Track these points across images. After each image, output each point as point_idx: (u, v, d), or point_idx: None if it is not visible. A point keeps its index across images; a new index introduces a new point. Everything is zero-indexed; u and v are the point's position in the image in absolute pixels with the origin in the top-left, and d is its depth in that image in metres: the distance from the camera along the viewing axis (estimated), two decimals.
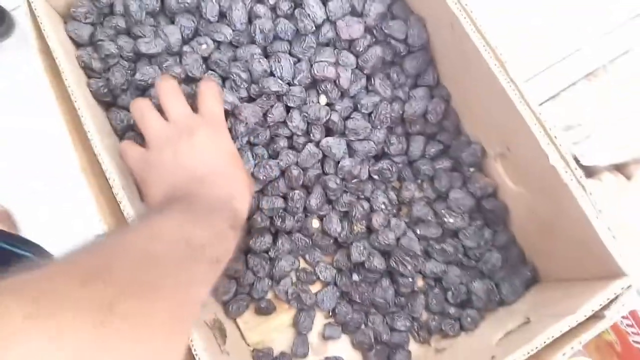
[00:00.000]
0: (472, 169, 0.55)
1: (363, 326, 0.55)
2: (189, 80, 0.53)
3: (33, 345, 0.23)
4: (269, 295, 0.56)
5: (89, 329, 0.25)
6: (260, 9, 0.53)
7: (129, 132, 0.52)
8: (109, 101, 0.51)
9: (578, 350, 0.52)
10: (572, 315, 0.39)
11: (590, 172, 0.55)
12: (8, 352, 0.23)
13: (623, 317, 0.48)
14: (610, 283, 0.40)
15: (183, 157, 0.42)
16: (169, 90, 0.45)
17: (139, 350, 0.28)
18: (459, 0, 0.45)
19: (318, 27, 0.53)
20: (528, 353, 0.39)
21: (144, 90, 0.52)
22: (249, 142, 0.54)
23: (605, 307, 0.39)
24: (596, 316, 0.40)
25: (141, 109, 0.45)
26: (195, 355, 0.39)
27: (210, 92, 0.47)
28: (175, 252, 0.34)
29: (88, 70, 0.51)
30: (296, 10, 0.53)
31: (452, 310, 0.54)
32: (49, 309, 0.25)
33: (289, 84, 0.53)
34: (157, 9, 0.54)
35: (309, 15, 0.52)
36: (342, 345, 0.55)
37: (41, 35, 0.47)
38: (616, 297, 0.39)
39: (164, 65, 0.52)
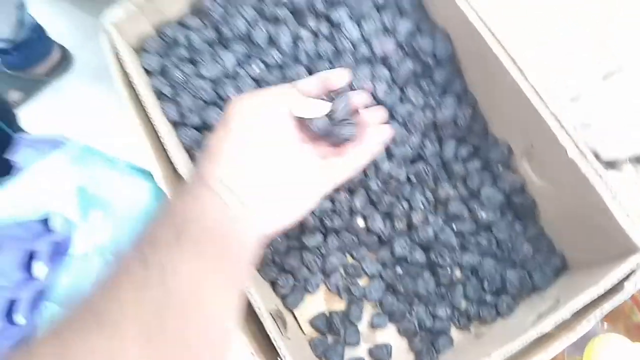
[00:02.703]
0: (500, 168, 0.60)
1: (407, 315, 0.60)
2: None
3: None
4: (322, 289, 0.62)
5: None
6: (303, 33, 0.60)
7: (194, 148, 0.59)
8: (177, 121, 0.59)
9: (610, 330, 0.56)
10: (594, 287, 0.44)
11: (610, 165, 0.60)
12: None
13: None
14: (628, 258, 0.45)
15: None
16: None
17: None
18: (478, 15, 0.51)
19: (355, 45, 0.60)
20: (555, 323, 0.44)
21: (207, 105, 0.60)
22: None
23: (624, 279, 0.44)
24: (616, 289, 0.45)
25: None
26: (271, 338, 0.46)
27: None
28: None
29: (159, 94, 0.59)
30: (335, 32, 0.60)
31: (488, 297, 0.59)
32: None
33: None
34: (214, 38, 0.62)
35: (346, 36, 0.60)
36: (389, 333, 0.60)
37: (122, 68, 0.55)
38: (633, 271, 0.44)
39: (221, 87, 0.60)
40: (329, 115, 0.46)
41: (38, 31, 1.25)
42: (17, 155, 0.47)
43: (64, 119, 1.28)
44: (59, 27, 1.36)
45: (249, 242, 0.40)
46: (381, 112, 0.52)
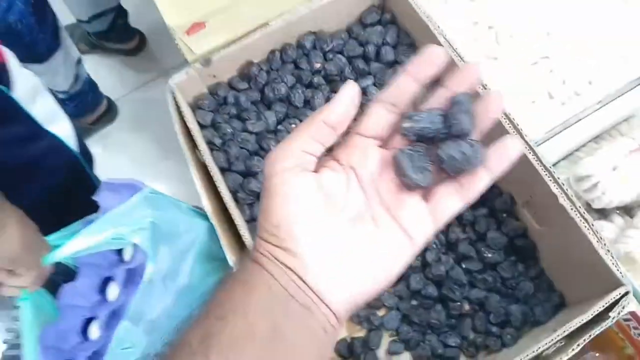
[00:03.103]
0: (504, 215, 0.69)
1: (421, 343, 0.67)
2: None
3: None
4: None
5: None
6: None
7: (238, 191, 0.69)
8: (225, 167, 0.69)
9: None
10: (583, 315, 0.52)
11: (602, 214, 0.68)
12: None
13: (636, 329, 0.59)
14: (612, 291, 0.52)
15: None
16: None
17: None
18: (483, 84, 0.61)
19: None
20: (547, 344, 0.51)
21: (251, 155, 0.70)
22: None
23: (609, 309, 0.52)
24: (602, 318, 0.52)
25: None
26: None
27: None
28: None
29: (210, 144, 0.70)
30: (362, 97, 0.70)
31: (494, 329, 0.66)
32: None
33: None
34: (258, 99, 0.73)
35: (371, 100, 0.70)
36: (405, 359, 0.68)
37: (182, 121, 0.66)
38: (616, 302, 0.52)
39: (264, 140, 0.70)
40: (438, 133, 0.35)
41: (90, 84, 1.39)
42: (101, 197, 0.57)
43: (109, 164, 1.40)
44: (108, 81, 1.50)
45: (318, 335, 0.33)
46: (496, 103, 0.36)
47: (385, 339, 0.68)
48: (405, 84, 0.36)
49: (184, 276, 0.63)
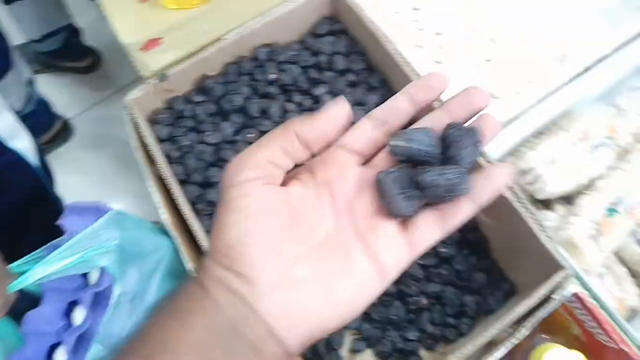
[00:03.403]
0: None
1: (382, 339, 0.70)
2: None
3: None
4: None
5: None
6: (290, 105, 0.73)
7: (198, 202, 0.70)
8: (183, 179, 0.70)
9: (551, 342, 0.66)
10: (528, 300, 0.55)
11: (546, 205, 0.72)
12: None
13: (579, 309, 0.63)
14: (554, 275, 0.56)
15: None
16: None
17: None
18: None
19: None
20: (498, 330, 0.55)
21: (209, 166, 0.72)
22: None
23: (552, 292, 0.56)
24: (547, 301, 0.56)
25: None
26: None
27: None
28: None
29: (168, 158, 0.71)
30: (316, 105, 0.73)
31: (451, 320, 0.69)
32: None
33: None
34: (215, 111, 0.74)
35: (322, 107, 0.73)
36: (367, 356, 0.70)
37: (139, 136, 0.67)
38: (559, 284, 0.56)
39: (222, 151, 0.72)
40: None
41: (44, 104, 1.38)
42: (67, 221, 0.57)
43: (66, 183, 1.38)
44: (63, 100, 1.49)
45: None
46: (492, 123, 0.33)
47: (348, 338, 0.70)
48: (401, 104, 0.33)
49: (151, 295, 0.64)
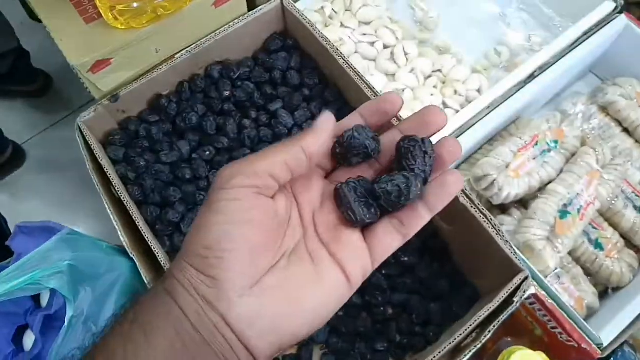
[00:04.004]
0: None
1: (351, 352, 0.69)
2: (196, 179, 0.71)
3: None
4: None
5: None
6: (246, 122, 0.73)
7: (157, 223, 0.69)
8: (141, 200, 0.69)
9: (516, 344, 0.68)
10: (490, 304, 0.56)
11: (503, 210, 0.74)
12: None
13: (539, 310, 0.65)
14: (513, 278, 0.57)
15: None
16: None
17: None
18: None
19: (289, 130, 0.73)
20: (462, 334, 0.55)
21: (167, 186, 0.70)
22: None
23: (512, 295, 0.57)
24: (507, 304, 0.57)
25: None
26: None
27: None
28: None
29: (124, 179, 0.69)
30: (272, 120, 0.73)
31: (417, 329, 0.69)
32: None
33: None
34: (170, 129, 0.73)
35: (281, 122, 0.73)
36: None
37: (94, 158, 0.65)
38: (518, 287, 0.57)
39: (179, 170, 0.71)
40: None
41: None
42: (15, 242, 0.55)
43: (21, 209, 1.34)
44: (14, 125, 1.44)
45: None
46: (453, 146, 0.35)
47: (317, 353, 0.70)
48: (354, 121, 0.36)
49: (106, 316, 0.62)
